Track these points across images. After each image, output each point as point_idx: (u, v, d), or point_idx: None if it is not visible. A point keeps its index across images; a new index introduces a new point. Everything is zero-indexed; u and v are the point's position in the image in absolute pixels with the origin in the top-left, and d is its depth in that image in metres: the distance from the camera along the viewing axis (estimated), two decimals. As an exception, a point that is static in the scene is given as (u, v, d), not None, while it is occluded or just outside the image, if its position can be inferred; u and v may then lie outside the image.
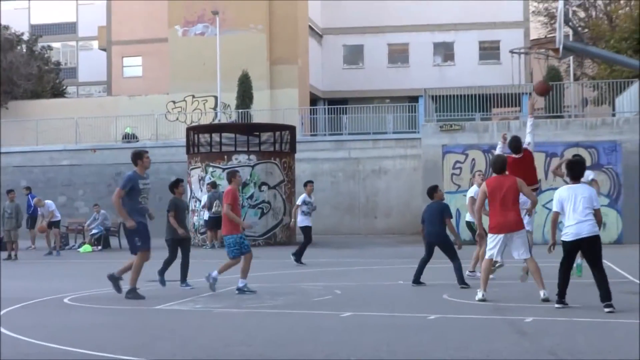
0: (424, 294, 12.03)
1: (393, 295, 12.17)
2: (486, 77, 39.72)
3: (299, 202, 18.55)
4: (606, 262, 15.52)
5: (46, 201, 23.89)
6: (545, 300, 10.53)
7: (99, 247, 25.16)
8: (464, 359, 7.08)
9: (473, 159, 25.37)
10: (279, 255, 21.12)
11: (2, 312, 10.50)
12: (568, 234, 9.95)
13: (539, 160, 24.93)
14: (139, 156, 12.23)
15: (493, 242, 10.91)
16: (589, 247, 9.95)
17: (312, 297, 11.81)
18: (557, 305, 9.99)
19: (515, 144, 12.41)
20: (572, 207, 9.93)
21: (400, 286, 13.31)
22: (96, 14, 51.70)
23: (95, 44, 53.49)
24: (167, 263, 13.55)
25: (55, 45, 54.10)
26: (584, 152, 24.65)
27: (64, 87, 51.17)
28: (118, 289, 12.13)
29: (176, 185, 13.89)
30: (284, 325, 9.27)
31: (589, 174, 13.77)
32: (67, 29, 56.27)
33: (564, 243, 10.01)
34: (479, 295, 10.94)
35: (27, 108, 41.22)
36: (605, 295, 9.75)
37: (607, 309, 9.61)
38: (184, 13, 41.19)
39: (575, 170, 10.35)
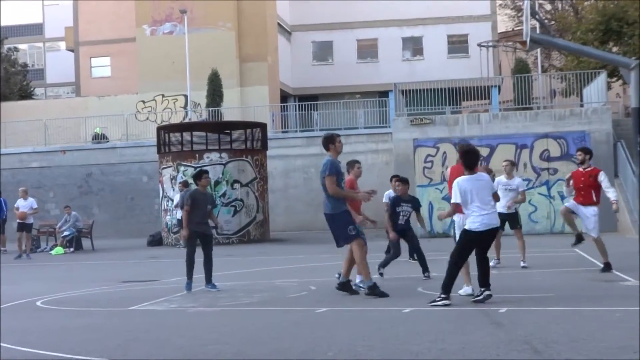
0: (399, 288, 12.06)
1: (368, 289, 12.16)
2: (455, 71, 39.95)
3: (385, 199, 17.52)
4: (578, 251, 15.68)
5: (30, 197, 23.95)
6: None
7: (71, 249, 24.97)
8: (440, 351, 7.11)
9: (444, 152, 25.51)
10: (253, 253, 21.10)
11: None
12: (478, 223, 9.59)
13: (509, 151, 25.27)
14: (331, 140, 10.98)
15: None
16: (491, 238, 9.85)
17: (288, 293, 11.80)
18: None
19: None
20: (479, 197, 9.62)
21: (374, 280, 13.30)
22: (62, 14, 51.22)
23: (62, 44, 53.00)
24: (187, 262, 12.42)
25: (21, 46, 53.59)
26: (554, 142, 24.92)
27: (32, 89, 50.71)
28: (354, 291, 11.31)
29: (199, 176, 12.65)
30: (260, 323, 9.26)
31: (519, 184, 14.38)
32: (34, 30, 55.74)
33: (472, 233, 9.61)
34: (468, 290, 10.52)
35: (-6, 111, 40.80)
36: (487, 281, 9.84)
37: (472, 297, 9.93)
38: (152, 12, 40.97)
39: (470, 159, 9.80)
